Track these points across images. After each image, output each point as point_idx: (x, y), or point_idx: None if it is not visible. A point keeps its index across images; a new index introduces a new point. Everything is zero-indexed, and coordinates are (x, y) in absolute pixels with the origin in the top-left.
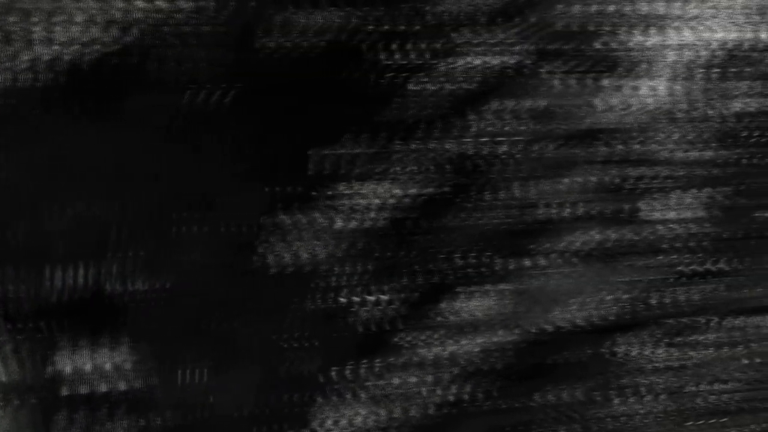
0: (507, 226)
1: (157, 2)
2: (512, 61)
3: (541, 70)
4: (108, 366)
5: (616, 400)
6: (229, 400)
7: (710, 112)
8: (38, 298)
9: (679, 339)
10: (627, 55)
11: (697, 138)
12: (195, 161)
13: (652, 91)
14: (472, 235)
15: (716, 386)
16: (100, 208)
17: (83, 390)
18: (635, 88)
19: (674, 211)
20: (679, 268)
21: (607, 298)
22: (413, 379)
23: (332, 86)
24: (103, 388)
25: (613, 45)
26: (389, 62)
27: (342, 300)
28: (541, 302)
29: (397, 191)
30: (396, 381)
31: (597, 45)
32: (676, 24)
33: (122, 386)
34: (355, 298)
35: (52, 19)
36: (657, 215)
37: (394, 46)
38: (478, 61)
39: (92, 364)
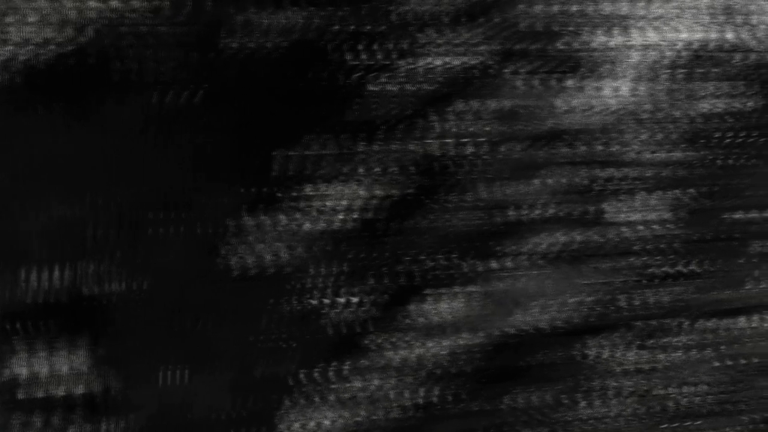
0: (475, 228)
1: (111, 2)
2: (475, 62)
3: (505, 70)
4: (67, 369)
5: (583, 403)
6: (197, 403)
7: (676, 113)
8: (12, 300)
9: (651, 341)
10: (590, 56)
11: (664, 139)
12: (160, 163)
13: (615, 92)
14: (440, 237)
15: (688, 389)
16: (66, 210)
17: (41, 393)
18: (598, 89)
19: (640, 213)
20: (650, 270)
21: (575, 301)
22: (382, 382)
23: (296, 87)
24: (62, 391)
25: (576, 45)
26: (354, 62)
27: (312, 302)
28: (508, 305)
29: (365, 193)
30: (364, 384)
31: (560, 45)
32: (640, 24)
33: (83, 389)
34: (326, 300)
35: (5, 20)
36: (623, 217)
37: (358, 47)
38: (441, 62)
39: (66, 367)
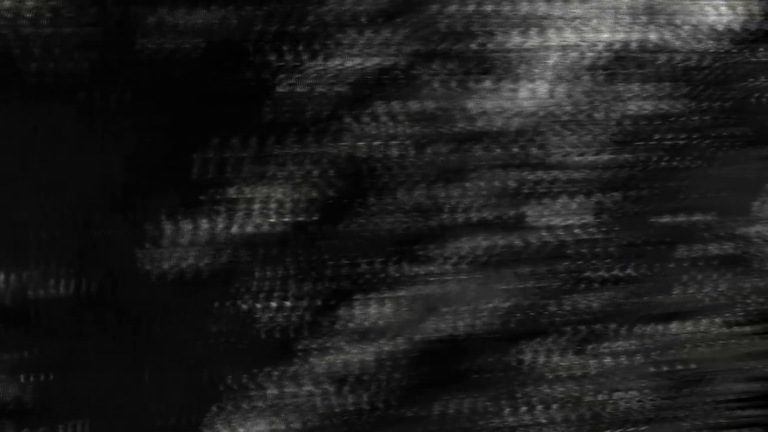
0: (402, 232)
1: (5, 2)
2: (393, 63)
3: (423, 72)
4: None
5: (507, 410)
6: (125, 408)
7: (600, 115)
8: None
9: (589, 346)
10: (505, 57)
11: (590, 142)
12: (82, 167)
13: (532, 93)
14: (369, 241)
15: (626, 395)
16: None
17: None
18: (515, 91)
19: (561, 217)
20: (583, 274)
21: (504, 306)
22: (312, 389)
23: (214, 88)
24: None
25: (492, 46)
26: (274, 64)
27: (243, 306)
28: (436, 309)
29: (291, 196)
30: (295, 390)
31: (476, 46)
32: (558, 24)
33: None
34: (258, 305)
35: None
36: (547, 221)
37: (277, 48)
38: (359, 63)
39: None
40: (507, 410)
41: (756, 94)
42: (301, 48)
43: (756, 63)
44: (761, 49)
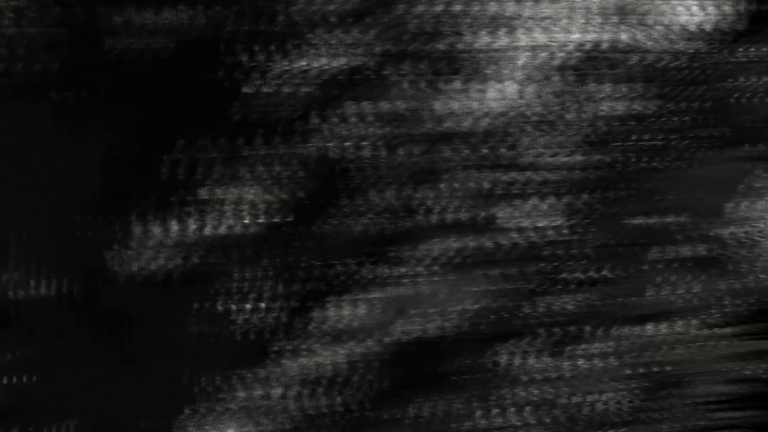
0: (375, 233)
1: None
2: (362, 63)
3: (393, 72)
4: None
5: (481, 413)
6: (98, 410)
7: (569, 115)
8: None
9: (567, 348)
10: (473, 57)
11: (562, 143)
12: (54, 168)
13: (502, 94)
14: (343, 242)
15: (603, 397)
16: None
17: None
18: (484, 91)
19: (540, 219)
20: (561, 275)
21: (477, 308)
22: (285, 391)
23: (184, 89)
24: None
25: (461, 47)
26: (244, 64)
27: (218, 308)
28: (408, 311)
29: (264, 196)
30: (268, 392)
31: (444, 47)
32: (528, 24)
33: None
34: (233, 307)
35: None
36: (518, 222)
37: (246, 48)
38: (329, 63)
39: None
40: (480, 413)
41: (735, 95)
42: (271, 48)
43: (735, 63)
44: (740, 50)
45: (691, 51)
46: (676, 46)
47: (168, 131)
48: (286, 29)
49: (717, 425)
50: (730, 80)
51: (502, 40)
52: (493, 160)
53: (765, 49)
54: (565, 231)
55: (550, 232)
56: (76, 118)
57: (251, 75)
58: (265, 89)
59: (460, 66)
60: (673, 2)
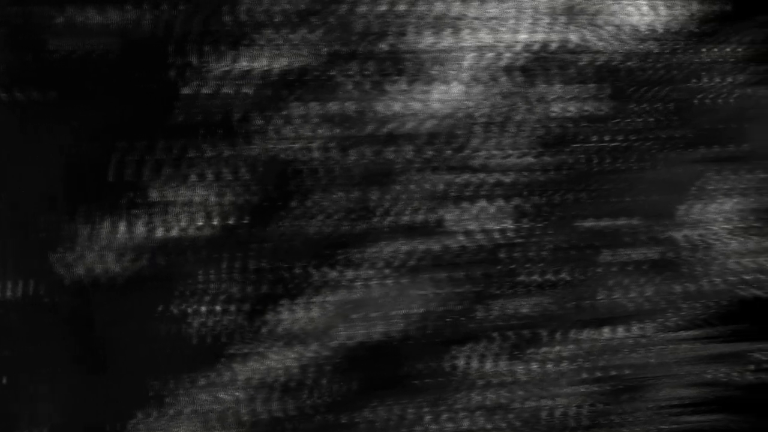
0: (327, 236)
1: None
2: (308, 64)
3: (339, 73)
4: None
5: (437, 417)
6: (52, 414)
7: (518, 117)
8: None
9: (525, 352)
10: (417, 58)
11: (514, 144)
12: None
13: (445, 95)
14: (296, 245)
15: (563, 400)
16: None
17: None
18: (427, 92)
19: (489, 221)
20: (521, 278)
21: (423, 311)
22: (239, 395)
23: (127, 90)
24: None
25: (403, 47)
26: (192, 64)
27: (174, 311)
28: (358, 314)
29: (217, 199)
30: (222, 396)
31: (387, 47)
32: (474, 25)
33: None
34: (188, 310)
35: None
36: (466, 225)
37: (194, 48)
38: (273, 63)
39: None
40: (437, 417)
41: (699, 95)
42: (222, 48)
43: (699, 63)
44: (703, 50)
45: (647, 51)
46: (627, 47)
47: (118, 133)
48: (233, 29)
49: (681, 429)
50: (694, 80)
51: (448, 40)
52: (443, 162)
53: (728, 50)
54: (512, 234)
55: (497, 235)
56: (24, 119)
57: (200, 76)
58: (216, 90)
59: (406, 67)
60: (624, 2)
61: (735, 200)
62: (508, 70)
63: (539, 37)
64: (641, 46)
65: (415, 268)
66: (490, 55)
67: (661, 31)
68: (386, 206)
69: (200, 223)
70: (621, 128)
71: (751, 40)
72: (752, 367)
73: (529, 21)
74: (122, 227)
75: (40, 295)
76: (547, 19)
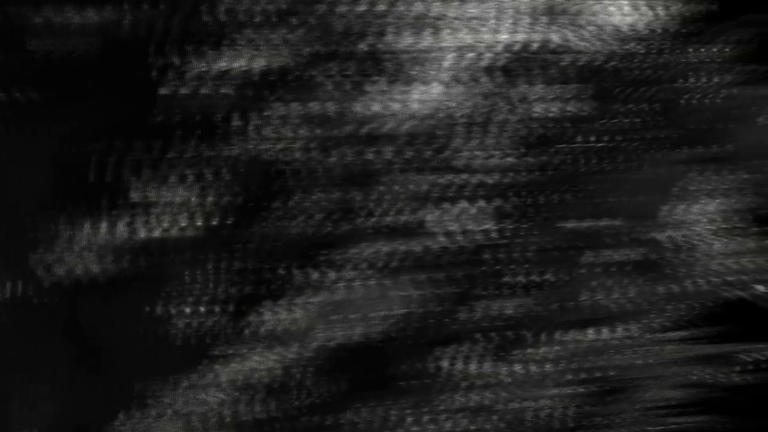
0: (310, 237)
1: None
2: (288, 64)
3: (319, 73)
4: None
5: (422, 419)
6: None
7: (499, 117)
8: None
9: (510, 353)
10: (397, 58)
11: (496, 145)
12: None
13: (425, 95)
14: (279, 246)
15: (548, 402)
16: None
17: None
18: (407, 93)
19: (469, 222)
20: (505, 279)
21: (402, 313)
22: (223, 396)
23: (107, 90)
24: None
25: (382, 47)
26: (172, 65)
27: (157, 312)
28: (341, 315)
29: (199, 200)
30: (205, 397)
31: (366, 47)
32: (454, 25)
33: None
34: (172, 311)
35: None
36: (446, 226)
37: (175, 49)
38: (251, 64)
39: None
40: (422, 419)
41: (686, 95)
42: (203, 48)
43: (685, 64)
44: (690, 50)
45: (632, 51)
46: (610, 47)
47: (99, 134)
48: (213, 29)
49: (668, 430)
50: (681, 81)
51: (428, 40)
52: (424, 163)
53: (715, 50)
54: (496, 235)
55: (479, 237)
56: (5, 120)
57: (181, 76)
58: (196, 90)
59: (383, 67)
60: (605, 2)
61: (718, 201)
62: (489, 70)
63: (520, 37)
64: (625, 47)
65: (396, 270)
66: (470, 55)
67: (644, 31)
68: (369, 207)
69: (183, 224)
70: (606, 129)
71: (738, 39)
72: (738, 368)
73: (510, 21)
74: (104, 228)
75: (28, 296)
76: (528, 19)
